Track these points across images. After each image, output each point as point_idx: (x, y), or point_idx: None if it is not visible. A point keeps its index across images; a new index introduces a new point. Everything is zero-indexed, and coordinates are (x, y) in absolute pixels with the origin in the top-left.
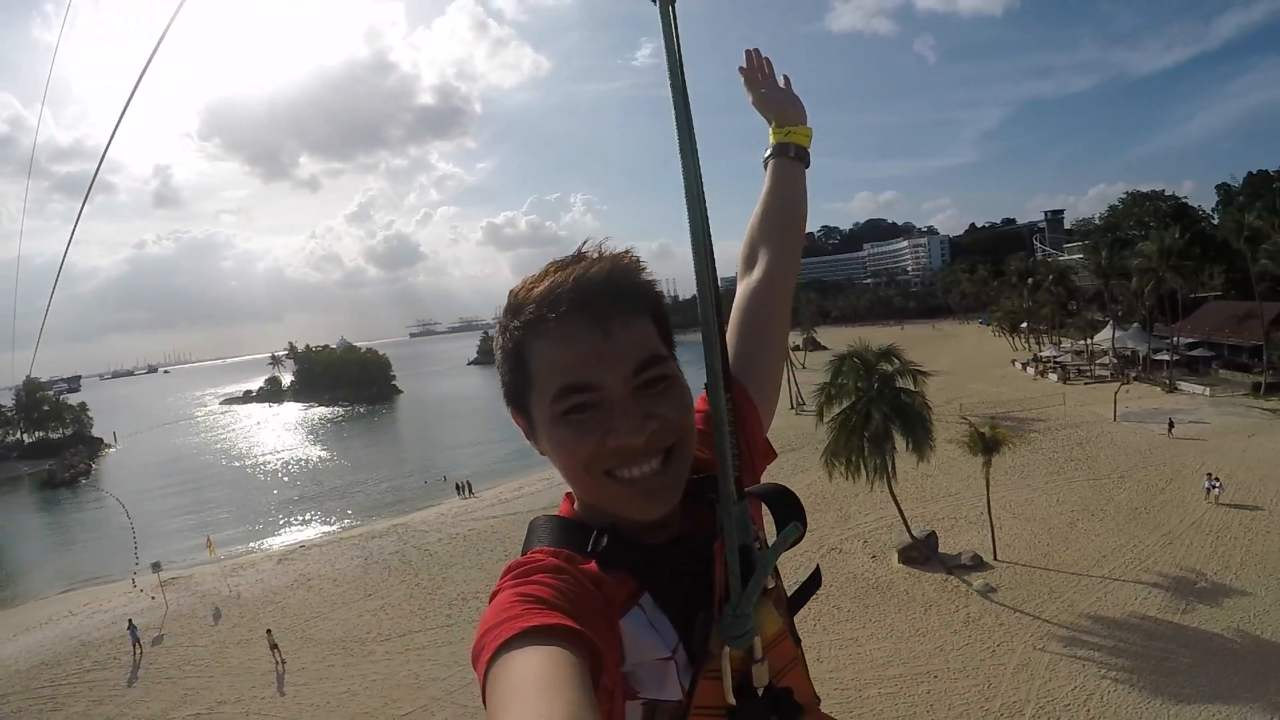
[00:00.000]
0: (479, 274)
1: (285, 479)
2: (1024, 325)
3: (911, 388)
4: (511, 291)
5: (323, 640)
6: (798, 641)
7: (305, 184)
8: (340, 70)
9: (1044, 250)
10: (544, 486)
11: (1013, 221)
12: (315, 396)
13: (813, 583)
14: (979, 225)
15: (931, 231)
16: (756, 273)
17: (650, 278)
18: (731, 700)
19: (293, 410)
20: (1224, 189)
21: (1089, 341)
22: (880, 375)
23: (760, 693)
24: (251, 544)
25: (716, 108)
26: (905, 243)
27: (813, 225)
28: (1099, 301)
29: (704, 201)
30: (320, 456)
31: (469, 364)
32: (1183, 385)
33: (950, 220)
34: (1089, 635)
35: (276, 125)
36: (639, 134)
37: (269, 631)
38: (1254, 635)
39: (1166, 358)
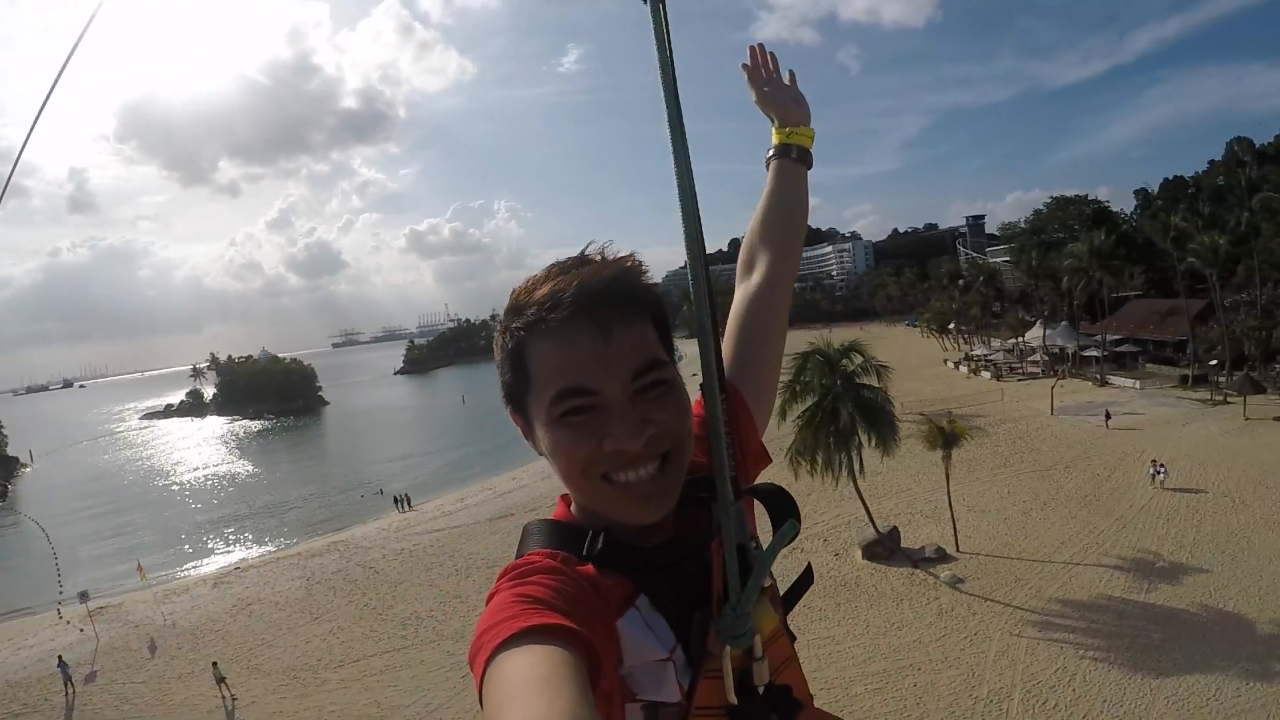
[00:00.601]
0: (402, 282)
1: (213, 497)
2: (952, 326)
3: (874, 384)
4: (513, 292)
5: (271, 670)
6: (793, 638)
7: (225, 189)
8: (262, 71)
9: (966, 254)
10: (487, 497)
11: (934, 226)
12: (239, 409)
13: (805, 580)
14: (901, 230)
15: (855, 237)
16: (755, 276)
17: (652, 282)
18: (733, 699)
19: (216, 424)
20: (1142, 194)
21: (1020, 340)
22: (843, 372)
23: (761, 691)
24: (183, 567)
25: (654, 113)
26: (830, 248)
27: (735, 231)
28: (1024, 302)
29: (696, 203)
30: (249, 472)
31: (395, 374)
32: (1113, 379)
33: (872, 226)
34: (1061, 619)
35: (196, 127)
36: (564, 141)
37: (215, 664)
38: (1218, 609)
39: (1095, 354)
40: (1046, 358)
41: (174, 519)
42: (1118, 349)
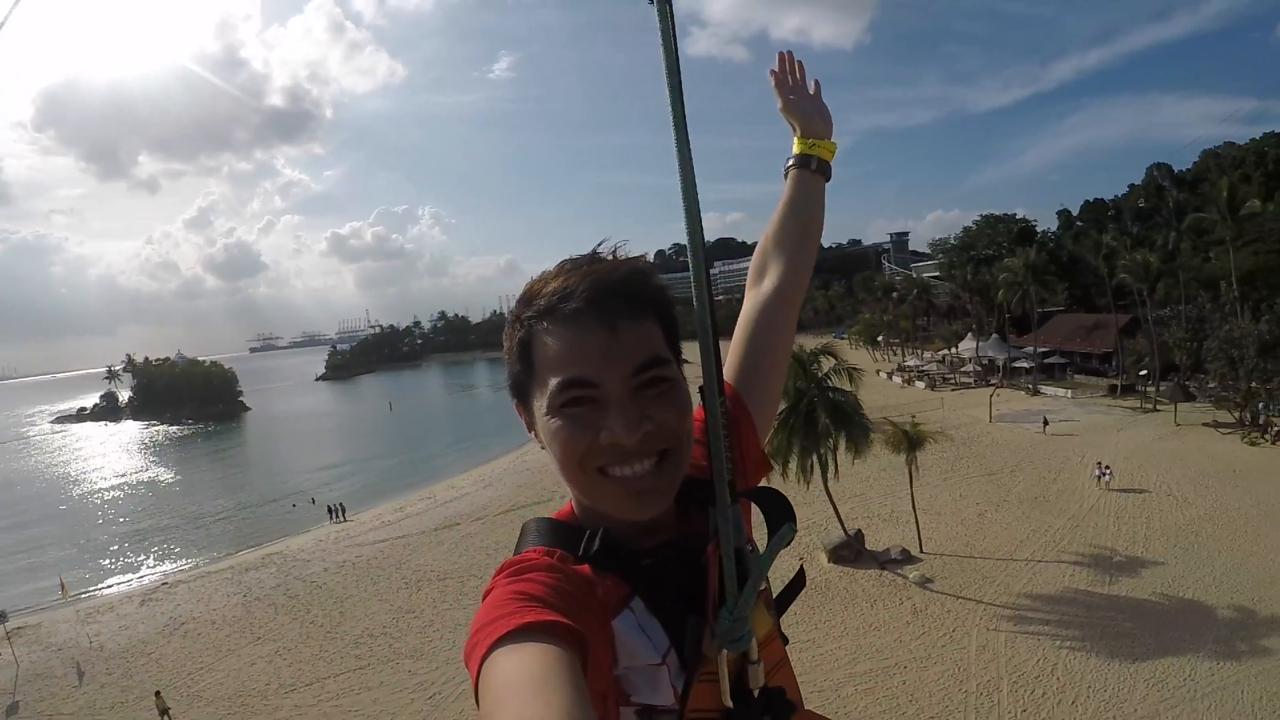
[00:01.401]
0: (322, 286)
1: (134, 506)
2: (881, 338)
3: (845, 387)
4: (526, 286)
5: (215, 697)
6: (785, 641)
7: (144, 185)
8: (189, 63)
9: (891, 269)
10: (427, 506)
11: (858, 242)
12: (157, 414)
13: (798, 583)
14: (826, 245)
15: None
16: (766, 285)
17: (662, 283)
18: (728, 703)
19: (133, 429)
20: (1065, 214)
21: (952, 351)
22: (814, 376)
23: (755, 694)
24: (105, 583)
25: (583, 124)
26: None
27: (662, 243)
28: (952, 315)
29: (698, 207)
30: (170, 480)
31: (317, 380)
32: (1045, 389)
33: None
34: (1033, 613)
35: (118, 118)
36: (491, 148)
37: (158, 694)
38: (1178, 597)
39: (1026, 365)
40: (979, 368)
41: (92, 530)
42: (1046, 360)
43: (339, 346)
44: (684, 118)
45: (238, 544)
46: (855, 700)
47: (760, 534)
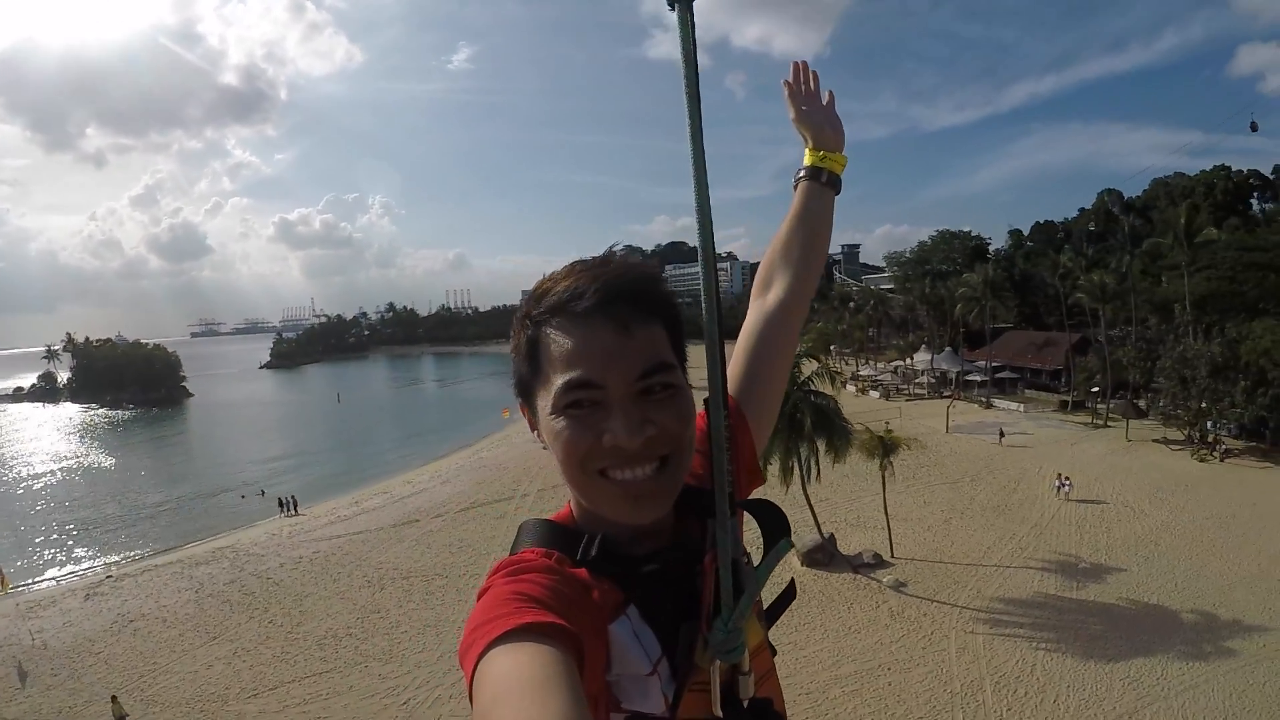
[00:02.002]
0: (268, 273)
1: (74, 493)
2: (833, 347)
3: (825, 391)
4: (536, 284)
5: (171, 701)
6: (773, 652)
7: (90, 158)
8: (144, 34)
9: (842, 279)
10: (383, 501)
11: None
12: (96, 396)
13: (788, 595)
14: None
15: (732, 257)
16: (771, 297)
17: (671, 289)
18: (719, 712)
19: (71, 411)
20: (1016, 234)
21: (907, 362)
22: (798, 379)
23: (745, 704)
24: (44, 575)
25: (540, 120)
26: None
27: (608, 239)
28: (904, 327)
29: (710, 214)
30: (112, 466)
31: (261, 368)
32: (997, 402)
33: (745, 248)
34: (1007, 616)
35: (68, 87)
36: (446, 139)
37: (115, 699)
38: (1143, 602)
39: (978, 379)
40: (933, 380)
41: (29, 518)
42: (998, 375)
43: (285, 335)
44: (700, 123)
45: (185, 536)
46: (844, 702)
47: (749, 541)
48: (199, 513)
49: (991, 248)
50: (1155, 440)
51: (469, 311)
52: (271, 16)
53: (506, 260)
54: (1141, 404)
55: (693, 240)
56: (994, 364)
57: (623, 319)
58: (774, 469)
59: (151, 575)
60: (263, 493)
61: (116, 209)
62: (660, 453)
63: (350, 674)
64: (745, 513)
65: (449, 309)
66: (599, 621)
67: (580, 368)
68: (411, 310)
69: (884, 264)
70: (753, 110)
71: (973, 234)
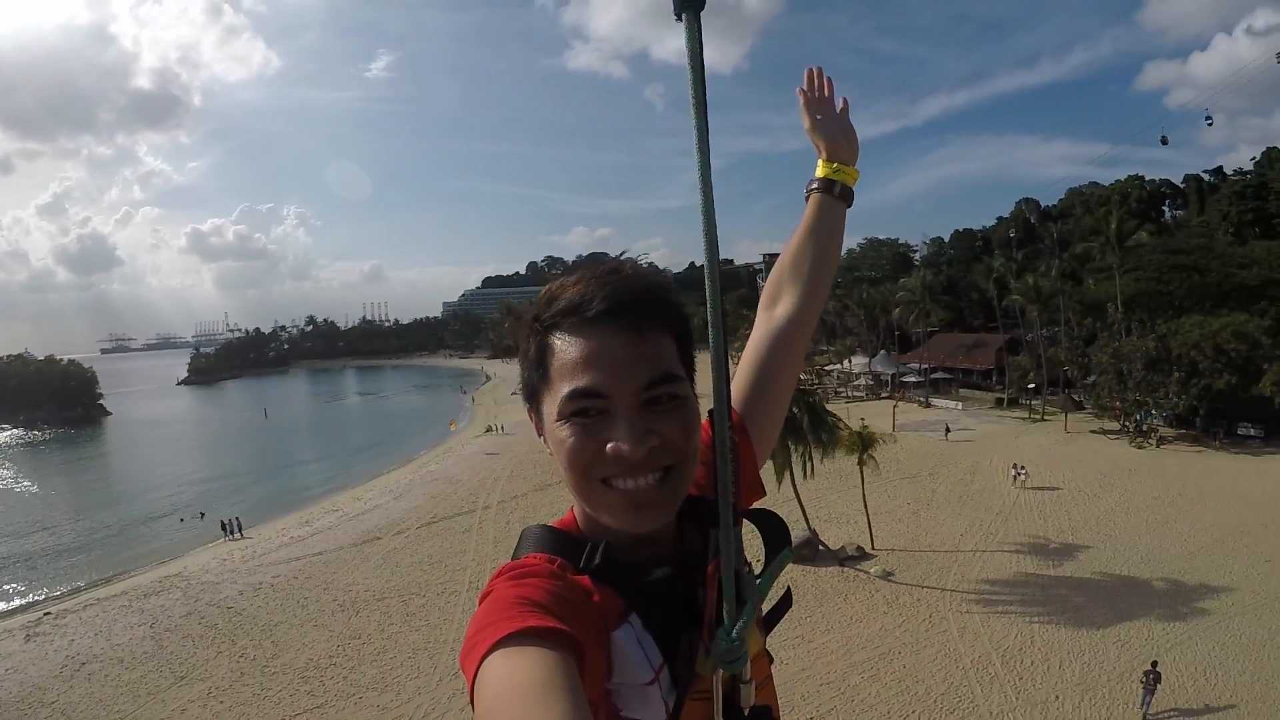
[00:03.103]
0: (179, 286)
1: None
2: None
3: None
4: (545, 289)
5: None
6: (770, 659)
7: None
8: (55, 33)
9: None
10: (336, 520)
11: (730, 261)
12: (7, 417)
13: (785, 603)
14: (697, 265)
15: (651, 267)
16: (779, 312)
17: (680, 300)
18: None
19: None
20: (938, 241)
21: (842, 366)
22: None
23: (745, 712)
24: None
25: (459, 130)
26: None
27: (535, 255)
28: (833, 333)
29: (715, 223)
30: (33, 492)
31: (179, 384)
32: (936, 402)
33: (662, 258)
34: (995, 596)
35: None
36: (363, 148)
37: None
38: (1116, 574)
39: (914, 380)
40: (871, 382)
41: None
42: (933, 376)
43: (202, 349)
44: (706, 133)
45: (124, 565)
46: (865, 687)
47: (748, 551)
48: (135, 539)
49: (915, 256)
50: (1093, 431)
51: (390, 324)
52: (188, 18)
53: (424, 272)
54: (1079, 398)
55: (610, 249)
56: (926, 365)
57: (631, 327)
58: (769, 468)
59: (96, 610)
60: (202, 515)
61: (23, 218)
62: (664, 463)
63: (344, 708)
64: (746, 523)
65: (370, 321)
66: (600, 628)
67: (586, 376)
68: (332, 323)
69: None
70: (671, 122)
71: (900, 241)
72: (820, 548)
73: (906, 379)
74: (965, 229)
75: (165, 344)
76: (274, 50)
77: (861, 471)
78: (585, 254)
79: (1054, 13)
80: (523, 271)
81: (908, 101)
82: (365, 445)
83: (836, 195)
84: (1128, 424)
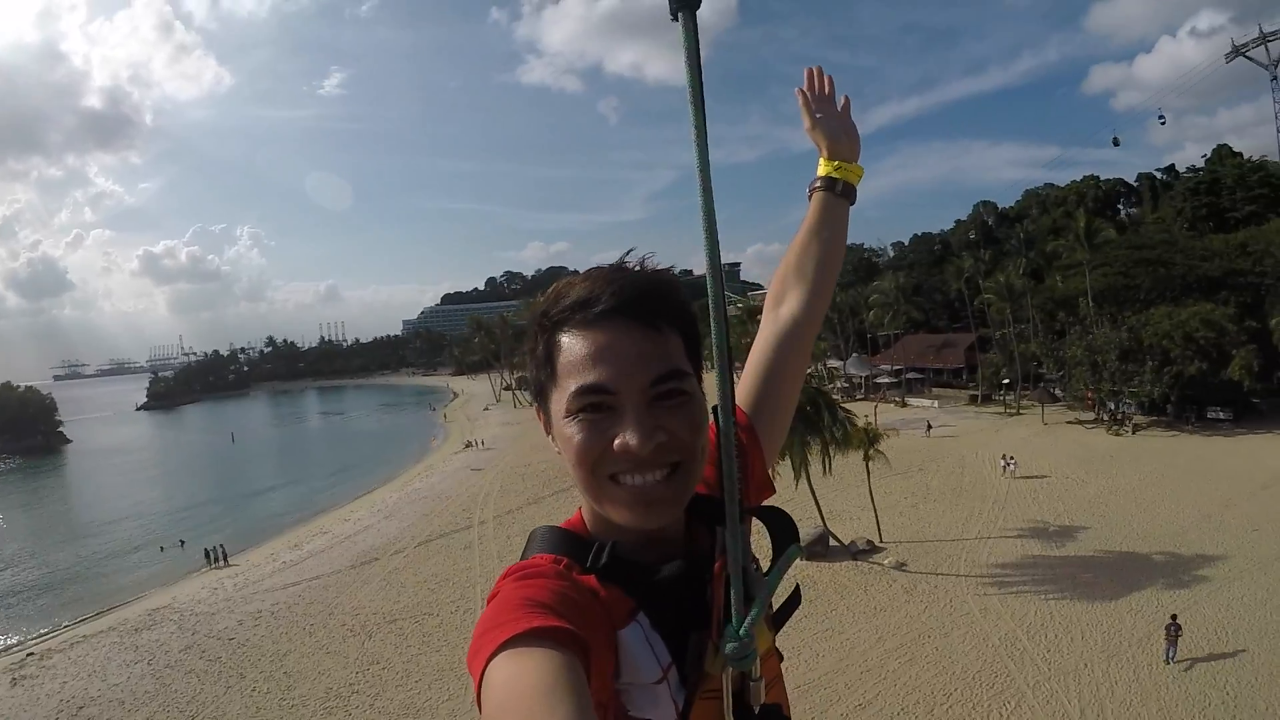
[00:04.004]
0: (132, 310)
1: None
2: (736, 362)
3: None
4: (553, 288)
5: None
6: (780, 657)
7: None
8: (3, 51)
9: (730, 298)
10: (328, 542)
11: (690, 272)
12: None
13: (794, 601)
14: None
15: None
16: (784, 312)
17: (687, 297)
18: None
19: None
20: (899, 245)
21: (820, 367)
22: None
23: (756, 710)
24: None
25: (414, 147)
26: None
27: (492, 271)
28: None
29: (715, 224)
30: (2, 524)
31: (139, 409)
32: (911, 401)
33: None
34: (1008, 578)
35: None
36: (318, 167)
37: None
38: (1116, 551)
39: (887, 380)
40: (846, 384)
41: None
42: (906, 377)
43: (161, 374)
44: (705, 134)
45: (107, 598)
46: (903, 671)
47: (755, 548)
48: (115, 571)
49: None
50: (1069, 422)
51: (350, 344)
52: (139, 35)
53: (379, 291)
54: (1056, 390)
55: (568, 263)
56: (898, 366)
57: (638, 324)
58: (786, 464)
59: (85, 648)
60: (182, 543)
61: None
62: (671, 460)
63: None
64: (753, 520)
65: (329, 341)
66: (608, 628)
67: (594, 372)
68: (291, 344)
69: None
70: (625, 136)
71: (865, 246)
72: (832, 543)
73: (880, 380)
74: (924, 233)
75: (120, 369)
76: (226, 68)
77: (868, 466)
78: (545, 269)
79: (1001, 20)
80: (481, 287)
81: (859, 110)
82: (342, 466)
83: (839, 193)
84: (1102, 413)
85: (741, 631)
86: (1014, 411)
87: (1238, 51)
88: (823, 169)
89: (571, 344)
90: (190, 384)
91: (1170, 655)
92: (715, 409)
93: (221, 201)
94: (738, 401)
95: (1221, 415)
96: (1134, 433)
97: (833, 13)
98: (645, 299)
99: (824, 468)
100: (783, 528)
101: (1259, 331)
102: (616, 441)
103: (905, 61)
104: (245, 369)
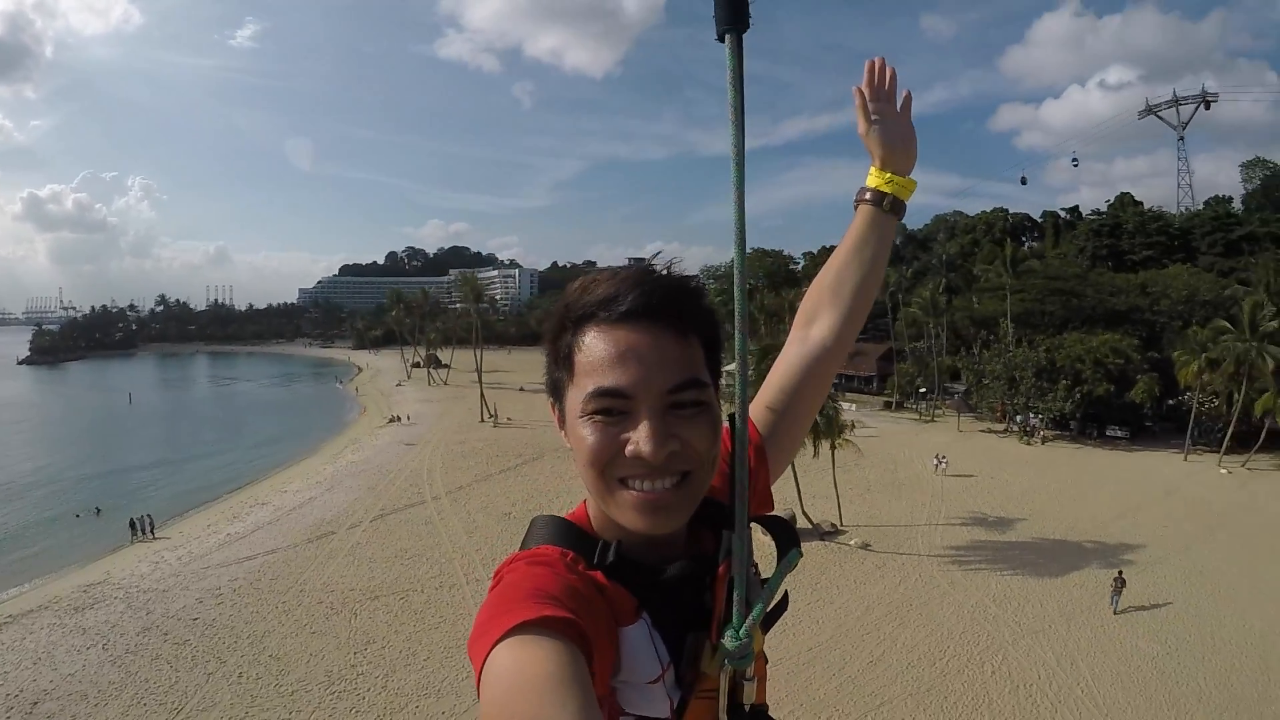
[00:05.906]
0: (9, 256)
1: None
2: None
3: None
4: (577, 284)
5: None
6: (765, 660)
7: None
8: None
9: None
10: (272, 514)
11: (594, 263)
12: None
13: (782, 605)
14: (562, 265)
15: (515, 265)
16: (815, 333)
17: (711, 306)
18: (724, 718)
19: None
20: (810, 255)
21: (728, 371)
22: None
23: (747, 709)
24: None
25: (323, 112)
26: (495, 272)
27: (391, 245)
28: None
29: (745, 238)
30: None
31: (19, 363)
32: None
33: (519, 256)
34: (964, 558)
35: None
36: (220, 121)
37: None
38: (1051, 538)
39: None
40: None
41: None
42: None
43: (44, 326)
44: (743, 152)
45: (26, 572)
46: (899, 633)
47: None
48: (28, 541)
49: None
50: (982, 430)
51: (245, 309)
52: None
53: (270, 257)
54: (973, 400)
55: (468, 244)
56: None
57: (659, 329)
58: None
59: (17, 630)
60: (98, 511)
61: None
62: (682, 469)
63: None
64: (755, 527)
65: (223, 304)
66: (611, 624)
67: (612, 375)
68: (184, 304)
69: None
70: (539, 121)
71: (785, 253)
72: (801, 524)
73: None
74: (832, 246)
75: None
76: (136, 4)
77: (834, 455)
78: (446, 248)
79: (922, 50)
80: (381, 261)
81: (770, 121)
82: (259, 434)
83: (886, 208)
84: (1012, 425)
85: (743, 631)
86: (929, 419)
87: (1151, 110)
88: (872, 180)
89: (592, 343)
90: (75, 339)
91: (1115, 604)
92: (731, 417)
93: (115, 148)
94: (752, 416)
95: (1120, 433)
96: (1043, 443)
97: (760, 23)
98: (671, 303)
99: (815, 450)
100: (784, 533)
101: (1158, 361)
102: (629, 447)
103: (822, 79)
104: (134, 327)
